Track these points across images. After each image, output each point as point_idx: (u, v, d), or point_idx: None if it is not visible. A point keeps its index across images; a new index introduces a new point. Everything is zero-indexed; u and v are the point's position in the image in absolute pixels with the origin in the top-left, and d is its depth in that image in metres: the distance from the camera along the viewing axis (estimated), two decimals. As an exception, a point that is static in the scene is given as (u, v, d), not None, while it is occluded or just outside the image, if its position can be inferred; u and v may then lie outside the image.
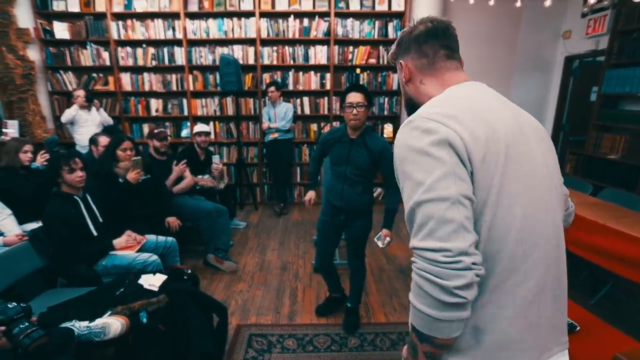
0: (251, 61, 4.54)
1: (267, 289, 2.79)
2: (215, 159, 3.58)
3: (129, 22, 4.40)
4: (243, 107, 4.69)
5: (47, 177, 2.23)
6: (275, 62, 4.57)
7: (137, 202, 2.62)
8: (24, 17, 4.28)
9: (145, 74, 4.59)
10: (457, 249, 0.64)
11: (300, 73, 4.63)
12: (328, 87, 4.62)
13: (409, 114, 0.93)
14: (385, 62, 4.58)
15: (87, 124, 3.95)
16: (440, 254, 0.64)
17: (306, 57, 4.56)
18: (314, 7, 4.41)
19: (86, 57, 4.47)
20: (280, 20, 4.45)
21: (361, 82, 4.63)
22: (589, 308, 2.23)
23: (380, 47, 4.57)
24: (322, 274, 2.49)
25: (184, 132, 4.79)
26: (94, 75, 4.56)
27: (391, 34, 4.50)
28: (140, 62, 4.52)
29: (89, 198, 2.26)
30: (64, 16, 4.38)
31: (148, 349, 1.62)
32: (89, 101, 3.94)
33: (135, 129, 4.80)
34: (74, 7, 4.31)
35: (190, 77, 4.59)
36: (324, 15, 4.44)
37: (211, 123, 4.74)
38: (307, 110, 4.74)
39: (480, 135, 0.71)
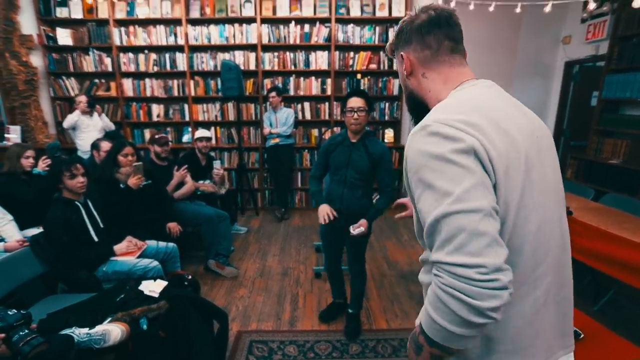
0: (252, 67, 4.57)
1: (268, 294, 2.78)
2: (216, 164, 3.58)
3: (131, 28, 4.44)
4: (244, 113, 4.71)
5: (48, 182, 2.24)
6: (276, 68, 4.59)
7: (138, 207, 2.62)
8: (27, 23, 4.32)
9: (147, 80, 4.61)
10: (493, 265, 0.58)
11: (301, 78, 4.65)
12: (329, 92, 4.64)
13: (412, 110, 0.91)
14: (386, 68, 4.60)
15: (89, 130, 3.97)
16: (473, 271, 0.58)
17: (307, 63, 4.59)
18: (314, 13, 4.45)
19: (88, 63, 4.50)
20: (282, 26, 4.48)
21: (362, 88, 4.65)
22: (592, 314, 2.22)
23: (381, 53, 4.59)
24: (329, 278, 2.49)
25: (185, 138, 4.80)
26: (96, 81, 4.59)
27: (392, 36, 4.51)
28: (142, 68, 4.55)
29: (90, 204, 2.26)
30: (67, 23, 4.42)
31: (148, 356, 1.61)
32: (91, 107, 3.96)
33: (137, 134, 4.82)
34: (77, 14, 4.35)
35: (192, 83, 4.61)
36: (324, 21, 4.47)
37: (212, 128, 4.75)
38: (308, 116, 4.76)
39: (502, 147, 0.68)
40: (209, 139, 3.52)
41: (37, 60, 4.43)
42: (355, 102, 2.00)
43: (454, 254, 0.60)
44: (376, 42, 4.54)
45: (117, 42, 4.43)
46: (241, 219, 4.49)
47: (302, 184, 4.86)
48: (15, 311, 1.32)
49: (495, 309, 0.58)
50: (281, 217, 4.47)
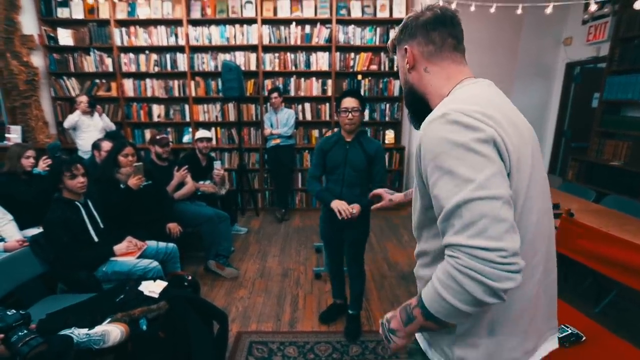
0: (253, 67, 4.57)
1: (268, 295, 2.77)
2: (217, 164, 3.58)
3: (132, 28, 4.44)
4: (245, 113, 4.71)
5: (48, 182, 2.24)
6: (277, 69, 4.59)
7: (138, 208, 2.61)
8: (28, 23, 4.33)
9: (148, 80, 4.61)
10: (512, 249, 0.62)
11: (302, 79, 4.65)
12: (329, 93, 4.64)
13: (410, 105, 0.94)
14: (387, 69, 4.60)
15: (89, 130, 3.97)
16: (495, 254, 0.61)
17: (308, 64, 4.59)
18: (315, 14, 4.45)
19: (89, 63, 4.51)
20: (282, 27, 4.48)
21: (362, 89, 4.66)
22: (593, 316, 2.20)
23: (382, 54, 4.59)
24: (330, 277, 2.50)
25: (186, 138, 4.80)
26: (97, 81, 4.59)
27: (396, 31, 4.52)
28: (143, 68, 4.55)
29: (90, 204, 2.26)
30: (68, 23, 4.43)
31: (147, 357, 1.61)
32: (92, 107, 3.96)
33: (137, 135, 4.82)
34: (78, 14, 4.36)
35: (193, 83, 4.61)
36: (325, 22, 4.47)
37: (213, 129, 4.75)
38: (308, 116, 4.76)
39: (515, 140, 0.71)
40: (209, 139, 3.51)
41: (38, 60, 4.43)
42: (349, 102, 2.05)
43: (475, 238, 0.63)
44: (377, 43, 4.54)
45: (118, 42, 4.43)
46: (241, 219, 4.48)
47: (303, 185, 4.85)
48: (15, 311, 1.32)
49: (507, 291, 0.63)
50: (281, 218, 4.47)
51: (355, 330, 2.29)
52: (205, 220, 3.06)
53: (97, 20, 4.38)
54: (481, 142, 0.67)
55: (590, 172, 3.87)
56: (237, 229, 4.03)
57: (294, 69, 4.59)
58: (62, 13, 4.37)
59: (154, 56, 4.53)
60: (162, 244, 2.46)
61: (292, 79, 4.64)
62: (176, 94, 4.65)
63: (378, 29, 4.52)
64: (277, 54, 4.57)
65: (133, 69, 4.56)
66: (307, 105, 4.72)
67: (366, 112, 4.75)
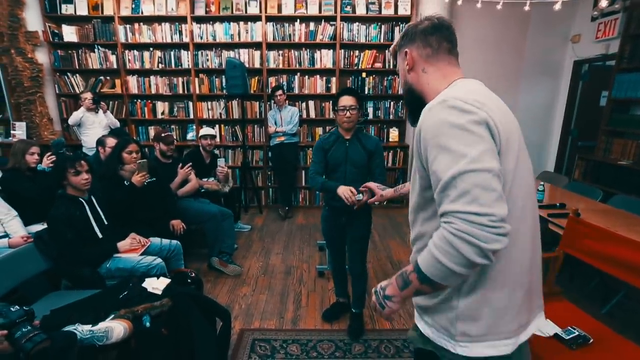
0: (257, 65, 4.55)
1: (271, 293, 2.77)
2: (221, 162, 3.57)
3: (136, 25, 4.44)
4: (249, 111, 4.70)
5: (52, 179, 2.24)
6: (281, 66, 4.58)
7: (141, 204, 2.61)
8: (33, 20, 4.34)
9: (152, 77, 4.62)
10: (500, 214, 0.70)
11: (306, 77, 4.63)
12: (334, 90, 4.61)
13: (408, 103, 1.04)
14: (391, 67, 4.57)
15: (94, 126, 3.98)
16: (486, 218, 0.69)
17: (312, 61, 4.56)
18: (320, 11, 4.42)
19: (94, 60, 4.51)
20: (287, 24, 4.46)
21: (367, 87, 4.64)
22: (600, 318, 2.18)
23: (386, 52, 4.55)
24: (333, 275, 2.50)
25: (190, 135, 4.81)
26: (101, 78, 4.60)
27: (397, 39, 4.48)
28: (147, 65, 4.55)
29: (94, 200, 2.26)
30: (72, 19, 4.43)
31: (151, 353, 1.60)
32: (96, 103, 3.97)
33: (142, 132, 4.83)
34: (83, 11, 4.36)
35: (197, 81, 4.61)
36: (330, 19, 4.44)
37: (217, 126, 4.75)
38: (312, 114, 4.74)
39: (504, 124, 0.81)
40: (213, 136, 3.51)
41: (42, 57, 4.45)
42: (346, 100, 2.05)
43: (470, 204, 0.71)
44: (382, 41, 4.51)
45: (122, 39, 4.43)
46: (245, 217, 4.48)
47: (306, 183, 4.85)
48: (18, 307, 1.32)
49: (495, 252, 0.71)
50: (285, 216, 4.46)
51: (358, 329, 2.28)
52: (209, 217, 3.06)
53: (101, 17, 4.39)
54: (475, 123, 0.77)
55: (598, 171, 3.83)
56: (240, 226, 4.03)
57: (298, 66, 4.57)
58: (66, 9, 4.37)
59: (158, 53, 4.53)
60: (165, 241, 2.46)
61: (296, 77, 4.62)
62: (180, 91, 4.65)
63: (383, 27, 4.48)
64: (281, 52, 4.55)
65: (137, 66, 4.56)
66: (311, 103, 4.70)
67: (370, 110, 4.73)
